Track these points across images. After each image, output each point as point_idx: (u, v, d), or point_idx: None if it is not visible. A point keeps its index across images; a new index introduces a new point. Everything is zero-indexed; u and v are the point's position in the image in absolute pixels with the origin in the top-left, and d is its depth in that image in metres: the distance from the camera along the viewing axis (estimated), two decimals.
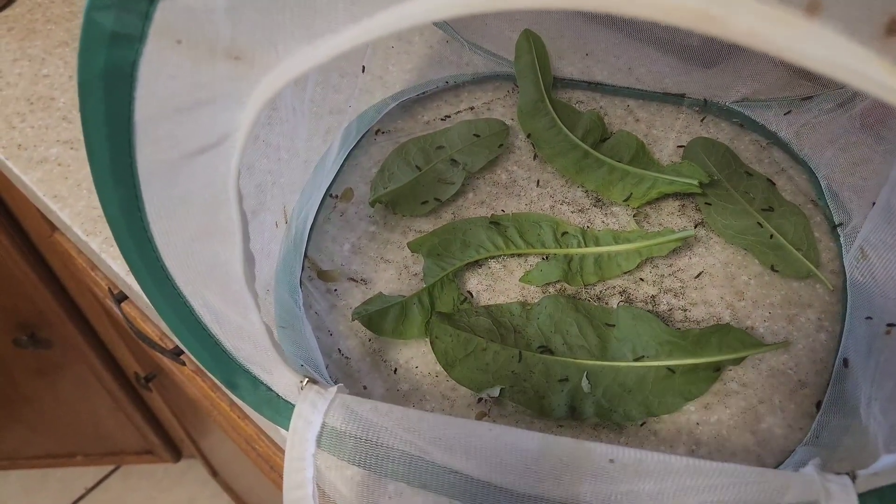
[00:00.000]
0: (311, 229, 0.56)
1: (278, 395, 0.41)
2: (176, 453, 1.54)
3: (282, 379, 0.39)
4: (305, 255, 0.55)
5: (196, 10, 0.25)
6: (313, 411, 0.38)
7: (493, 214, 0.56)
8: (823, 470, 0.38)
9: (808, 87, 0.60)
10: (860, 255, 0.50)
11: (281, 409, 0.40)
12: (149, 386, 1.16)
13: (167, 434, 1.45)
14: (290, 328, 0.49)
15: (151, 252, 0.35)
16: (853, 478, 0.36)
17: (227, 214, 0.31)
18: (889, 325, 0.46)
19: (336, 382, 0.48)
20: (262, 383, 0.40)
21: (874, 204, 0.50)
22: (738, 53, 0.63)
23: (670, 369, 0.48)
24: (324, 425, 0.38)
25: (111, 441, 1.46)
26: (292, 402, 0.39)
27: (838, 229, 0.54)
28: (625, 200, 0.56)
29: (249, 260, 0.34)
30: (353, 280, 0.54)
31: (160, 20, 0.26)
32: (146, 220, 0.34)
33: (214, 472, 1.47)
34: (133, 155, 0.31)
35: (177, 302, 0.37)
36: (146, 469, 1.61)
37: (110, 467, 1.61)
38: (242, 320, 0.37)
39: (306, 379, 0.39)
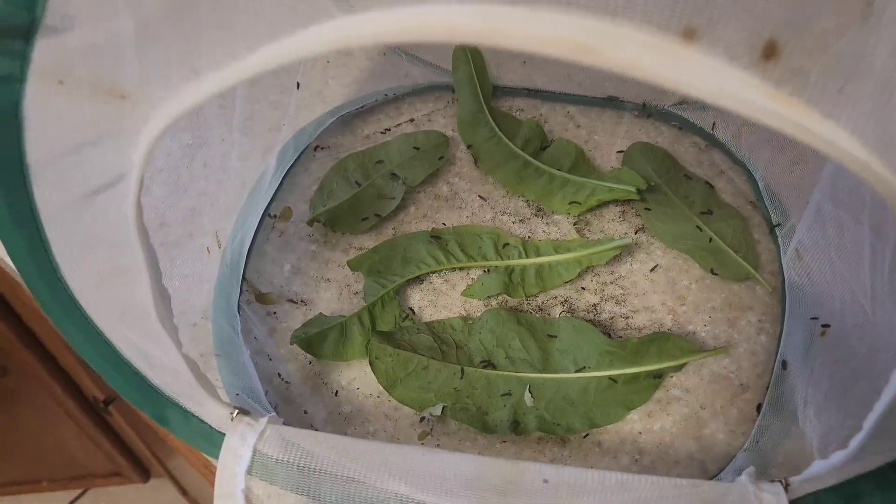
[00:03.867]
0: (249, 251, 0.55)
1: (211, 427, 0.40)
2: (144, 474, 1.51)
3: (213, 411, 0.39)
4: (244, 279, 0.54)
5: (76, 50, 0.24)
6: (242, 444, 0.37)
7: (433, 228, 0.56)
8: (758, 478, 0.38)
9: None
10: (796, 257, 0.51)
11: (216, 441, 0.40)
12: (108, 410, 1.14)
13: (134, 455, 1.43)
14: (228, 355, 0.49)
15: (64, 292, 0.34)
16: (786, 485, 0.36)
17: (131, 253, 0.30)
18: (824, 325, 0.46)
19: (276, 408, 0.48)
20: (194, 416, 0.40)
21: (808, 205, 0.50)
22: None
23: (612, 379, 0.48)
24: (254, 457, 0.37)
25: (77, 465, 1.44)
26: (225, 434, 0.39)
27: (776, 230, 0.55)
28: (566, 209, 0.56)
29: (164, 297, 0.33)
30: (293, 302, 0.53)
31: (39, 61, 0.25)
32: (55, 262, 0.33)
33: (184, 492, 1.45)
34: (32, 197, 0.30)
35: (96, 339, 0.36)
36: (116, 491, 1.58)
37: (78, 491, 1.58)
38: (164, 356, 0.36)
39: (236, 410, 0.38)
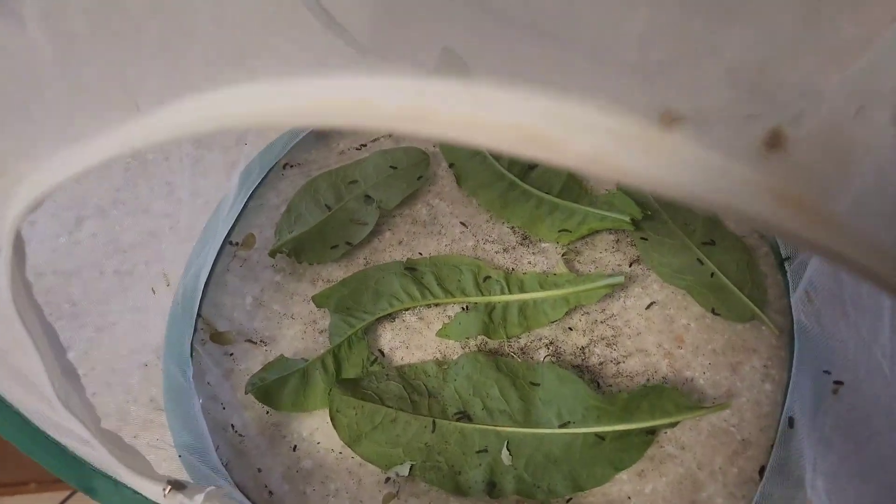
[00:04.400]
0: (208, 281, 0.51)
1: (146, 497, 0.35)
2: None
3: (144, 486, 0.34)
4: (199, 315, 0.49)
5: None
6: None
7: (408, 259, 0.51)
8: None
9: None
10: (806, 299, 0.46)
11: None
12: None
13: None
14: (176, 408, 0.44)
15: None
16: None
17: (17, 331, 0.25)
18: (836, 382, 0.41)
19: (227, 465, 0.44)
20: (126, 486, 0.35)
21: None
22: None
23: (599, 436, 0.43)
24: None
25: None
26: None
27: (785, 263, 0.50)
28: (554, 238, 0.51)
29: (67, 374, 0.29)
30: (252, 342, 0.48)
31: None
32: None
33: None
34: None
35: (6, 411, 0.32)
36: None
37: (66, 493, 1.55)
38: (83, 433, 0.32)
39: (169, 487, 0.34)
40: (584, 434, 0.43)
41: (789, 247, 0.50)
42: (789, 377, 0.46)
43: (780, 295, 0.50)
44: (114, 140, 0.19)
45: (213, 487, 0.35)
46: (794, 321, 0.47)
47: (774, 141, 0.15)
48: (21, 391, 0.31)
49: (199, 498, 0.34)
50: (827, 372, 0.42)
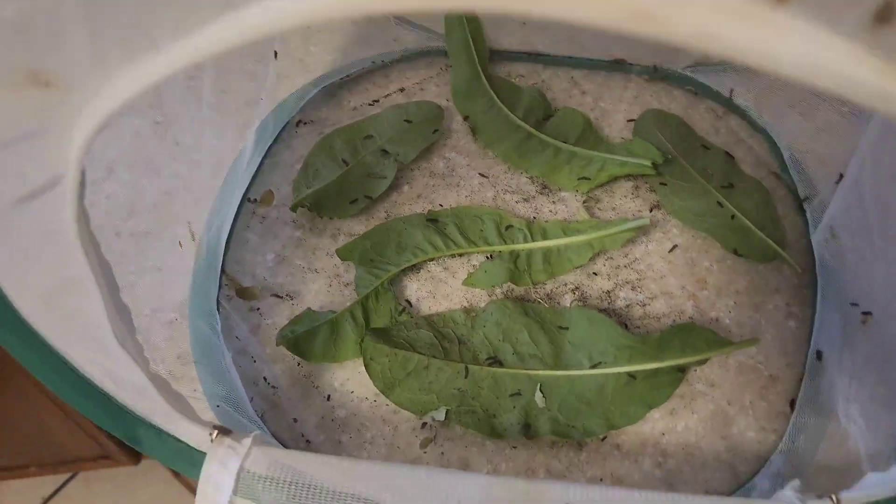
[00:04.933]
0: (228, 240, 0.50)
1: (190, 446, 0.35)
2: (135, 456, 1.47)
3: (190, 431, 0.34)
4: (223, 271, 0.49)
5: None
6: (223, 472, 0.33)
7: (430, 210, 0.51)
8: (804, 491, 0.34)
9: None
10: (829, 235, 0.46)
11: (196, 462, 0.35)
12: None
13: None
14: (207, 361, 0.44)
15: (9, 310, 0.29)
16: (837, 502, 0.32)
17: (79, 267, 0.25)
18: (864, 313, 0.42)
19: (262, 417, 0.43)
20: (170, 436, 0.35)
21: (841, 176, 0.45)
22: None
23: (631, 375, 0.43)
24: (238, 482, 0.33)
25: (64, 449, 1.40)
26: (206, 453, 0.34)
27: (804, 204, 0.50)
28: (574, 186, 0.51)
29: (121, 312, 0.28)
30: (278, 296, 0.48)
31: None
32: None
33: (176, 473, 1.41)
34: None
35: (50, 359, 0.32)
36: (106, 473, 1.55)
37: (67, 475, 1.54)
38: (129, 375, 0.32)
39: (216, 431, 0.34)
40: (616, 374, 0.43)
41: (808, 187, 0.50)
42: (813, 314, 0.47)
43: (800, 235, 0.50)
44: (186, 48, 0.18)
45: (258, 432, 0.35)
46: (816, 259, 0.48)
47: (885, 14, 0.15)
48: (71, 337, 0.31)
49: (247, 441, 0.34)
50: (854, 304, 0.43)
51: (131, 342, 0.29)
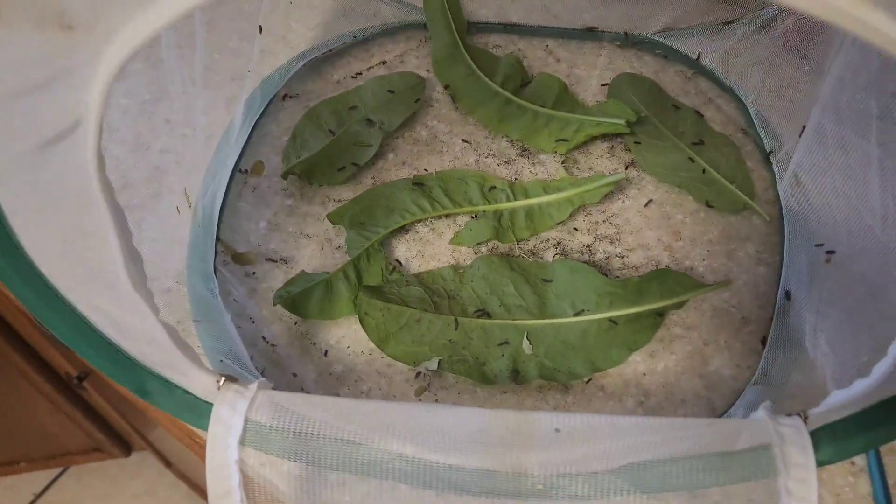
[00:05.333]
0: (221, 209, 0.52)
1: (197, 397, 0.37)
2: (125, 448, 1.48)
3: (198, 380, 0.36)
4: (218, 239, 0.51)
5: None
6: (232, 413, 0.35)
7: (415, 175, 0.53)
8: (775, 412, 0.37)
9: (728, 10, 0.58)
10: (794, 182, 0.49)
11: (202, 412, 0.37)
12: (83, 385, 1.11)
13: (113, 429, 1.40)
14: (207, 321, 0.46)
15: (22, 258, 0.31)
16: (805, 418, 0.35)
17: (96, 211, 0.27)
18: (828, 252, 0.45)
19: (262, 373, 0.45)
20: (178, 387, 0.37)
21: (804, 128, 0.48)
22: None
23: (612, 321, 0.46)
24: (246, 426, 0.34)
25: (55, 443, 1.40)
26: (213, 404, 0.36)
27: (770, 157, 0.53)
28: (552, 148, 0.53)
29: (134, 258, 0.30)
30: (272, 260, 0.50)
31: None
32: (7, 224, 0.29)
33: (168, 463, 1.42)
34: None
35: (63, 310, 0.33)
36: (98, 466, 1.55)
37: (58, 470, 1.55)
38: (140, 323, 0.33)
39: (223, 378, 0.36)
40: (599, 320, 0.46)
41: (774, 140, 0.53)
42: (782, 259, 0.49)
43: (767, 187, 0.53)
44: None
45: (263, 379, 0.37)
46: (783, 206, 0.50)
47: None
48: (85, 287, 0.32)
49: (253, 387, 0.36)
50: (819, 245, 0.45)
51: (144, 289, 0.31)
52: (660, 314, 0.46)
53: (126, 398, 1.09)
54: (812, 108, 0.46)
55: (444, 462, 0.34)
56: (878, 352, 0.32)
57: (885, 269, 0.39)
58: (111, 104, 0.59)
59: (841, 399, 0.34)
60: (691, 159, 0.53)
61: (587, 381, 0.45)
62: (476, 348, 0.46)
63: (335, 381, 0.46)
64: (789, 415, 0.36)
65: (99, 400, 1.21)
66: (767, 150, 0.53)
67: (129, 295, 0.31)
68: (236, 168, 0.54)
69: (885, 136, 0.38)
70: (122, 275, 0.29)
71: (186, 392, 0.37)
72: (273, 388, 0.44)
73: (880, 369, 0.32)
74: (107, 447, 1.44)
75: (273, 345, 0.47)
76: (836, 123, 0.42)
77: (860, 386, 0.33)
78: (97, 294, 0.33)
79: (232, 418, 0.34)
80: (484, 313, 0.47)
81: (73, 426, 1.33)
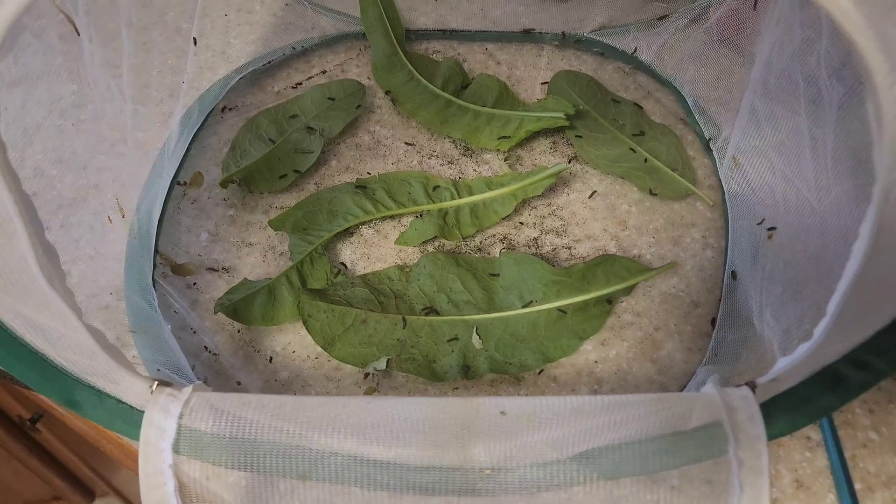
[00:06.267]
0: (161, 222, 0.51)
1: (131, 406, 0.36)
2: (88, 494, 1.43)
3: (130, 387, 0.35)
4: (157, 252, 0.49)
5: None
6: (165, 417, 0.33)
7: (358, 178, 0.52)
8: (723, 386, 0.36)
9: (661, 6, 0.59)
10: (733, 165, 0.49)
11: (136, 421, 0.35)
12: (36, 427, 1.07)
13: (73, 475, 1.35)
14: (144, 332, 0.44)
15: None
16: (753, 388, 0.35)
17: (1, 202, 0.26)
18: (770, 229, 0.45)
19: (205, 382, 0.44)
20: (109, 396, 0.35)
21: (739, 112, 0.48)
22: None
23: (561, 310, 0.45)
24: (180, 430, 0.33)
25: (11, 493, 1.35)
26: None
27: (710, 144, 0.53)
28: (495, 145, 0.53)
29: (49, 253, 0.29)
30: (214, 270, 0.49)
31: None
32: None
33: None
34: None
35: None
36: None
37: None
38: (64, 327, 0.32)
39: (156, 382, 0.34)
40: (548, 310, 0.45)
41: (712, 128, 0.53)
42: (727, 243, 0.50)
43: (709, 174, 0.53)
44: None
45: (199, 382, 0.36)
46: (725, 189, 0.51)
47: None
48: (5, 294, 0.31)
49: (188, 390, 0.34)
50: (760, 223, 0.46)
51: (61, 286, 0.30)
52: (609, 301, 0.46)
53: (84, 439, 1.06)
54: (745, 92, 0.47)
55: (388, 454, 0.33)
56: (819, 316, 0.32)
57: (823, 239, 0.39)
58: (48, 124, 0.58)
59: (786, 365, 0.34)
60: (633, 150, 0.53)
61: (539, 373, 0.45)
62: (425, 346, 0.45)
63: (281, 387, 0.44)
64: (738, 385, 0.35)
65: (55, 443, 1.17)
66: (707, 138, 0.54)
67: (45, 294, 0.29)
68: (175, 181, 0.53)
69: (813, 106, 0.38)
70: (35, 271, 0.28)
71: (119, 401, 0.35)
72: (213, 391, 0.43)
73: (820, 328, 0.32)
74: (68, 495, 1.39)
75: (216, 354, 0.45)
76: (766, 101, 0.43)
77: (802, 349, 0.33)
78: (16, 299, 0.31)
79: (164, 422, 0.33)
80: (432, 310, 0.46)
81: (29, 474, 1.28)
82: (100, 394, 0.35)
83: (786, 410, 0.34)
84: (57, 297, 0.29)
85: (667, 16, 0.58)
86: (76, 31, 0.40)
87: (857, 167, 0.37)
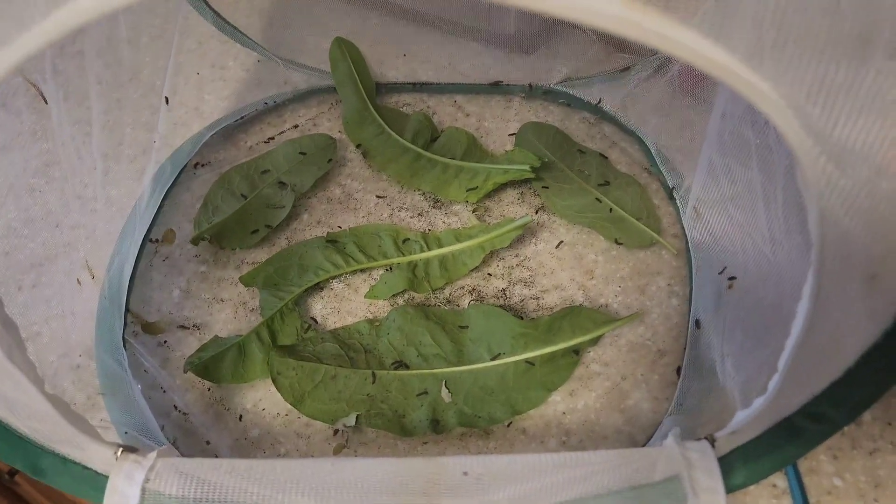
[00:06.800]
0: (133, 280, 0.51)
1: (96, 471, 0.36)
2: None
3: (95, 454, 0.35)
4: (128, 310, 0.50)
5: None
6: (129, 484, 0.33)
7: (328, 232, 0.53)
8: (685, 437, 0.37)
9: (624, 58, 0.60)
10: (695, 215, 0.50)
11: (102, 486, 0.35)
12: (15, 480, 1.05)
13: None
14: (113, 393, 0.44)
15: None
16: (712, 442, 0.35)
17: None
18: (730, 278, 0.46)
19: (174, 443, 0.44)
20: (74, 462, 0.35)
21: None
22: (555, 35, 0.62)
23: (529, 362, 0.46)
24: (144, 497, 0.33)
25: None
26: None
27: (673, 193, 0.54)
28: (463, 197, 0.54)
29: (7, 326, 0.29)
30: (185, 327, 0.49)
31: None
32: None
33: None
34: None
35: None
36: None
37: None
38: (26, 398, 0.32)
39: (120, 448, 0.35)
40: (515, 362, 0.46)
41: (675, 177, 0.55)
42: (692, 290, 0.50)
43: (674, 222, 0.54)
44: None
45: (164, 447, 0.36)
46: (688, 239, 0.52)
47: None
48: None
49: (153, 455, 0.35)
50: (720, 273, 0.46)
51: (21, 358, 0.30)
52: (576, 352, 0.47)
53: (62, 493, 1.04)
54: (703, 144, 0.48)
55: None
56: (775, 371, 0.32)
57: (779, 289, 0.40)
58: (20, 184, 0.59)
59: (744, 418, 0.35)
60: (598, 200, 0.54)
61: (508, 425, 0.45)
62: (395, 400, 0.45)
63: (251, 445, 0.44)
64: (698, 439, 0.36)
65: (35, 495, 1.15)
66: (670, 187, 0.55)
67: (4, 365, 0.30)
68: (147, 238, 0.53)
69: (763, 163, 0.39)
70: None
71: (84, 467, 0.35)
72: (181, 455, 0.43)
73: (772, 384, 0.32)
74: None
75: (186, 413, 0.45)
76: (722, 155, 0.44)
77: (758, 403, 0.33)
78: None
79: (128, 489, 0.33)
80: (401, 364, 0.46)
81: None
82: (64, 460, 0.35)
83: (747, 462, 0.35)
84: (17, 371, 0.29)
85: (629, 67, 0.59)
86: (44, 99, 0.41)
87: (803, 224, 0.38)
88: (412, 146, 0.57)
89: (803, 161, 0.22)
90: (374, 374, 0.46)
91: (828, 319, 0.29)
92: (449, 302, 0.50)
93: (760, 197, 0.40)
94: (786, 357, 0.31)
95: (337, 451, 0.44)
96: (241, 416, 0.45)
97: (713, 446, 0.35)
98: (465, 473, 0.34)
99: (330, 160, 0.57)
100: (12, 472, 1.04)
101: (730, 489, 0.34)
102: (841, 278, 0.26)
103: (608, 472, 0.35)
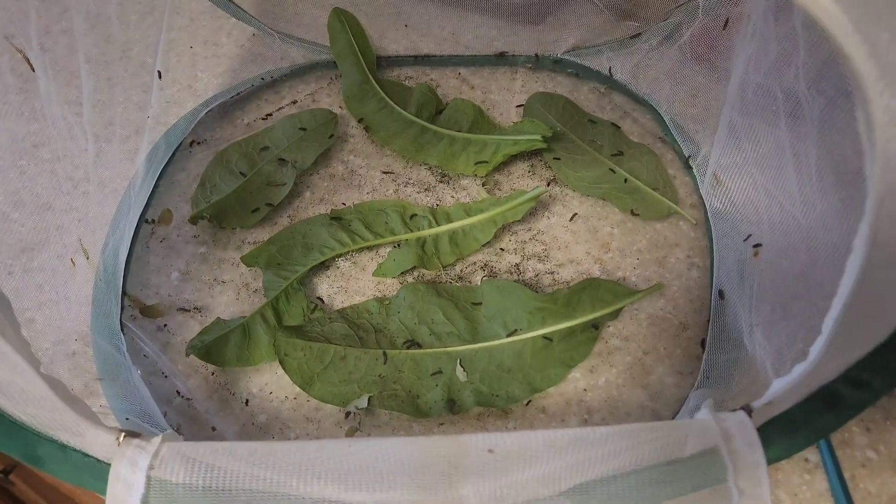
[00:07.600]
0: (129, 262, 0.49)
1: (98, 459, 0.33)
2: None
3: (95, 440, 0.33)
4: (125, 294, 0.47)
5: None
6: (133, 470, 0.31)
7: (332, 210, 0.51)
8: (718, 410, 0.35)
9: (632, 26, 0.58)
10: (714, 182, 0.48)
11: (103, 475, 0.33)
12: (10, 479, 1.03)
13: None
14: (113, 379, 0.42)
15: None
16: (749, 412, 0.33)
17: None
18: (755, 245, 0.44)
19: (178, 429, 0.42)
20: (74, 450, 0.33)
21: (718, 128, 0.48)
22: (563, 4, 0.60)
23: (547, 338, 0.44)
24: (150, 483, 0.31)
25: None
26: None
27: (689, 161, 0.52)
28: (472, 171, 0.52)
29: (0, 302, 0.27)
30: (185, 310, 0.47)
31: None
32: None
33: None
34: None
35: None
36: None
37: None
38: (21, 381, 0.30)
39: (122, 434, 0.32)
40: (533, 338, 0.44)
41: (691, 146, 0.53)
42: (712, 262, 0.48)
43: (691, 192, 0.52)
44: None
45: (168, 431, 0.34)
46: (707, 207, 0.50)
47: None
48: None
49: (157, 440, 0.32)
50: (745, 240, 0.45)
51: (15, 336, 0.28)
52: (595, 327, 0.45)
53: (59, 490, 1.02)
54: (722, 108, 0.46)
55: (371, 499, 0.32)
56: (812, 335, 0.31)
57: (810, 255, 0.38)
58: (7, 165, 0.56)
59: (783, 386, 0.33)
60: (612, 170, 0.52)
61: (527, 404, 0.43)
62: (408, 381, 0.43)
63: (259, 431, 0.42)
64: (733, 410, 0.34)
65: (31, 495, 1.13)
66: (686, 156, 0.53)
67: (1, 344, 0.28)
68: (143, 219, 0.51)
69: (793, 120, 0.37)
70: None
71: (85, 455, 0.33)
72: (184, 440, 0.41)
73: (816, 348, 0.30)
74: None
75: (189, 399, 0.43)
76: (744, 116, 0.42)
77: (799, 369, 0.31)
78: None
79: (132, 476, 0.31)
80: (414, 344, 0.44)
81: None
82: (63, 448, 0.33)
83: (783, 434, 0.33)
84: (11, 349, 0.27)
85: (639, 35, 0.57)
86: (31, 67, 0.39)
87: (841, 181, 0.36)
88: (417, 119, 0.55)
89: (870, 92, 0.20)
90: (385, 354, 0.44)
91: (878, 277, 0.27)
92: (460, 278, 0.48)
93: (789, 157, 0.38)
94: (833, 318, 0.29)
95: (349, 435, 0.42)
96: (247, 401, 0.43)
97: (750, 417, 0.33)
98: (491, 451, 0.32)
99: (331, 136, 0.55)
100: (7, 471, 1.02)
101: (767, 463, 0.33)
102: None
103: (639, 447, 0.33)
